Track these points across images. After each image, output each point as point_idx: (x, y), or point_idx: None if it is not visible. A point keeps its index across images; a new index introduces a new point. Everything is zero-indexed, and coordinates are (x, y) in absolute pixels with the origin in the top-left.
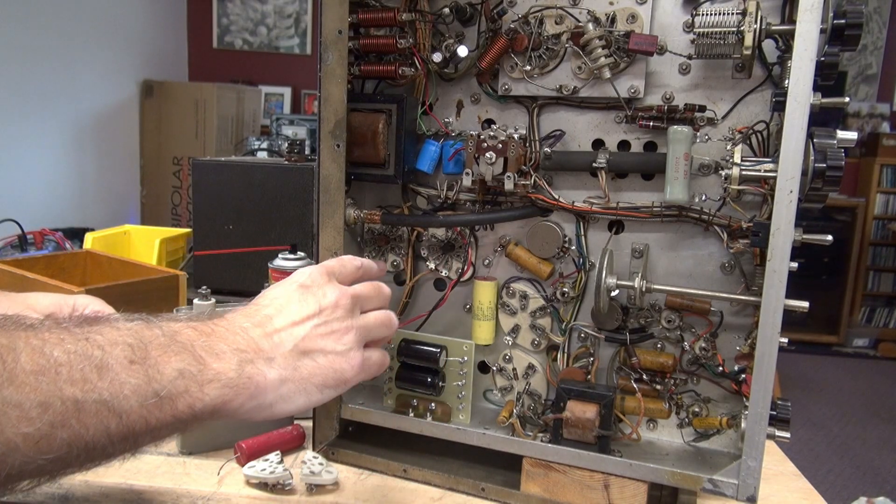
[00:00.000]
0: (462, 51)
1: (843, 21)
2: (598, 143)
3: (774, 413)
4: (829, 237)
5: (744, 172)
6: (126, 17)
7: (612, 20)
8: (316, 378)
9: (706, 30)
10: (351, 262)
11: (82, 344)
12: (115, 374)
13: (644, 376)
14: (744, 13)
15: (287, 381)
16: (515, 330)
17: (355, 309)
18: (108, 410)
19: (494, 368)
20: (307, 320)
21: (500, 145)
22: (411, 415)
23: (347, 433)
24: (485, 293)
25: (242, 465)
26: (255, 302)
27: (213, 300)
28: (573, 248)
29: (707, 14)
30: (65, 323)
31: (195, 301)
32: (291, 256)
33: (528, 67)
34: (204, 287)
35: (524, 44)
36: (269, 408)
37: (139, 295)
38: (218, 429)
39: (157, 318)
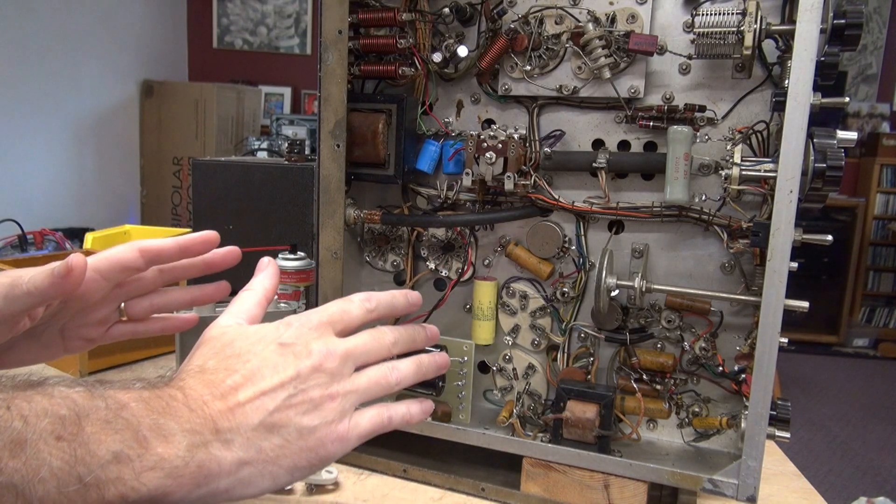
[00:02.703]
0: (462, 51)
1: (843, 21)
2: (598, 143)
3: (774, 413)
4: (829, 237)
5: (744, 172)
6: (126, 17)
7: (612, 20)
8: (285, 460)
9: (706, 30)
10: (362, 304)
11: (2, 412)
12: (34, 452)
13: (644, 376)
14: (744, 13)
15: (247, 465)
16: (515, 330)
17: (344, 369)
18: (15, 497)
19: (494, 368)
20: (280, 389)
21: (500, 145)
22: None
23: None
24: (485, 293)
25: None
26: (224, 359)
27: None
28: (573, 248)
29: (707, 14)
30: None
31: None
32: (291, 256)
33: (528, 67)
34: None
35: (524, 44)
36: (225, 493)
37: None
38: None
39: (108, 385)
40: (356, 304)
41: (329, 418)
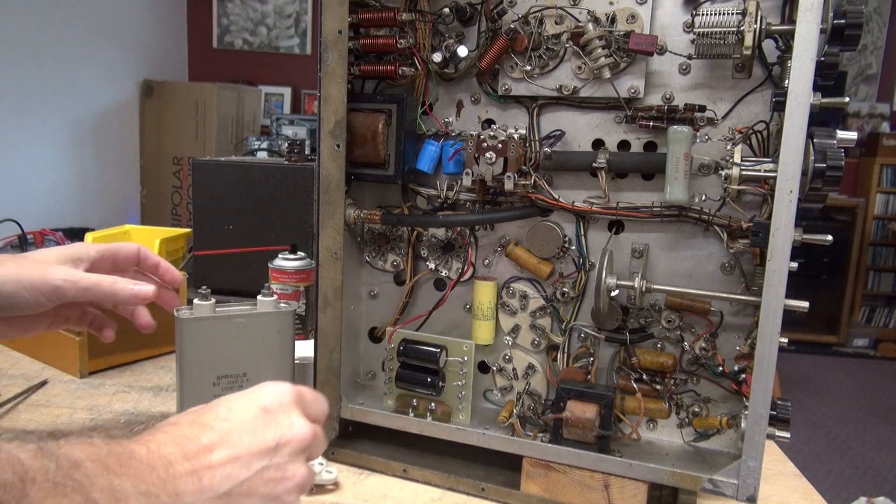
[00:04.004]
0: (462, 51)
1: (843, 21)
2: (598, 143)
3: (774, 413)
4: (829, 237)
5: (744, 172)
6: (126, 17)
7: (612, 20)
8: None
9: (706, 30)
10: (323, 404)
11: None
12: None
13: (644, 376)
14: (744, 13)
15: None
16: (515, 330)
17: (313, 449)
18: None
19: (494, 368)
20: (256, 458)
21: (500, 145)
22: (411, 415)
23: (347, 433)
24: (485, 293)
25: None
26: (200, 413)
27: (214, 300)
28: (573, 248)
29: (707, 14)
30: None
31: (195, 301)
32: (291, 256)
33: (529, 67)
34: (204, 287)
35: (524, 44)
36: None
37: None
38: None
39: (66, 439)
40: (324, 400)
41: (292, 499)
